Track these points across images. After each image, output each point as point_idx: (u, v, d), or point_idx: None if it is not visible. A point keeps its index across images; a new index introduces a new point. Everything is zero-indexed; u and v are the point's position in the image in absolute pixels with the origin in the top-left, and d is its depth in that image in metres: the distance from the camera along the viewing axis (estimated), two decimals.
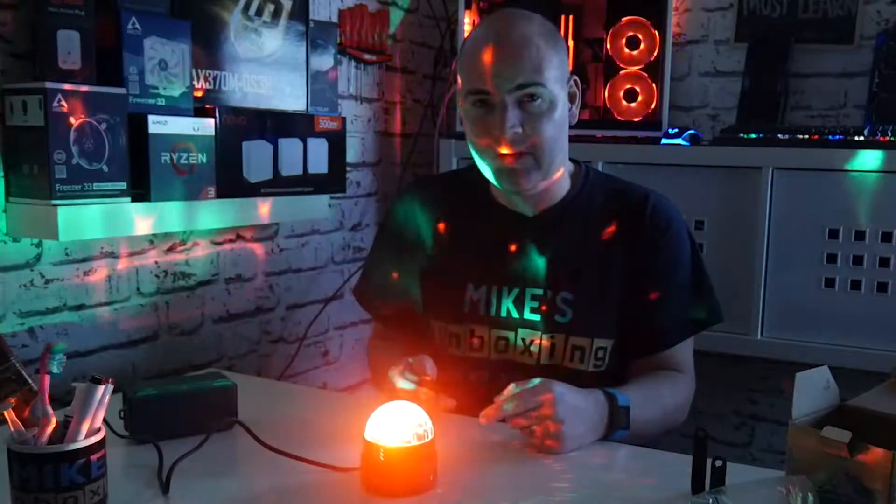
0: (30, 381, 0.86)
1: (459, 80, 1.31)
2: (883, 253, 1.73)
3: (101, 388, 0.84)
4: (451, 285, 1.37)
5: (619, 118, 2.10)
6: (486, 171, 1.31)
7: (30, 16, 1.32)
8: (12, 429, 0.84)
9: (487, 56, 1.23)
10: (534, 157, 1.26)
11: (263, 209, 1.64)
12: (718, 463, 0.93)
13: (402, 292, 1.44)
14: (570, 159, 1.39)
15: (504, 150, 1.25)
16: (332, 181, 1.79)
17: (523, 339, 1.33)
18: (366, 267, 1.54)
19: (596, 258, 1.34)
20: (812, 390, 0.96)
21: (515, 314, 1.33)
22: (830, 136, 1.80)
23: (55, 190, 1.28)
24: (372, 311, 1.53)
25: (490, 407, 1.14)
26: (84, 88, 1.31)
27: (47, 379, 0.82)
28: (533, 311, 1.33)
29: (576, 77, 1.32)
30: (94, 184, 1.33)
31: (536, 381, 1.14)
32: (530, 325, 1.33)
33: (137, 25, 1.39)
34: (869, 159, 1.73)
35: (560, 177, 1.36)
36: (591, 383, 1.27)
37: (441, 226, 1.40)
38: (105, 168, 1.34)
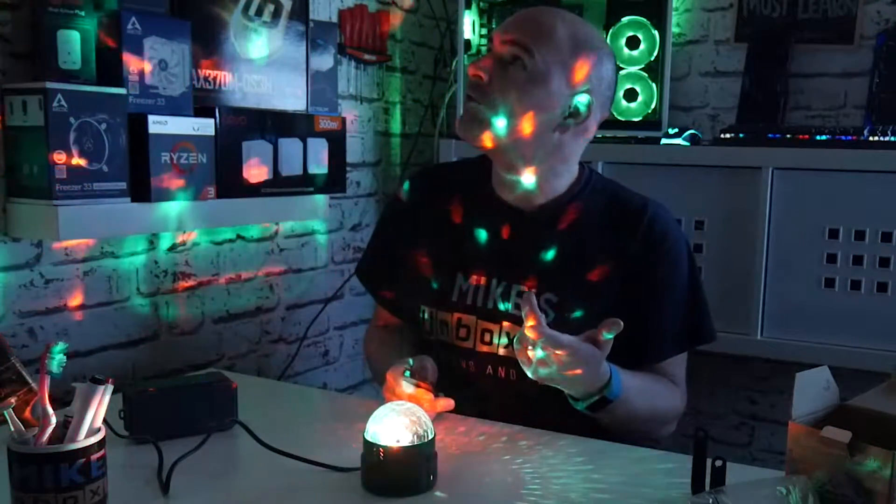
0: (30, 381, 0.86)
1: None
2: (883, 253, 1.73)
3: (102, 388, 0.84)
4: (443, 273, 1.38)
5: (619, 118, 2.10)
6: None
7: (30, 16, 1.32)
8: (12, 429, 0.84)
9: (514, 18, 1.30)
10: (482, 109, 1.28)
11: (263, 209, 1.64)
12: (718, 463, 0.93)
13: (400, 275, 1.45)
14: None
15: (468, 91, 1.30)
16: (332, 181, 1.79)
17: (507, 333, 1.33)
18: (368, 247, 1.56)
19: (585, 265, 1.32)
20: (812, 390, 0.96)
21: (501, 307, 1.33)
22: (830, 136, 1.80)
23: (55, 190, 1.27)
24: (373, 290, 1.53)
25: (535, 327, 1.08)
26: (84, 89, 1.31)
27: (47, 379, 0.82)
28: (518, 307, 1.32)
29: (588, 97, 1.29)
30: (94, 184, 1.33)
31: (583, 348, 1.10)
32: (515, 320, 1.32)
33: (137, 25, 1.39)
34: (869, 159, 1.73)
35: (552, 174, 1.35)
36: None
37: (440, 213, 1.41)
38: (105, 168, 1.34)
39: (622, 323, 1.09)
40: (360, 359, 2.13)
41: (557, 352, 1.08)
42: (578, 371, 1.11)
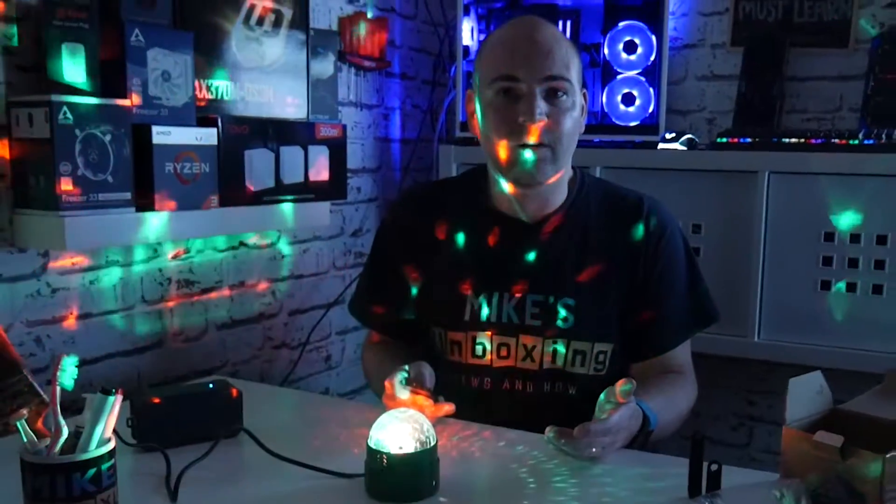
0: (41, 392, 0.88)
1: (480, 72, 1.33)
2: (878, 255, 1.75)
3: (112, 399, 0.86)
4: (452, 293, 1.38)
5: (616, 122, 2.12)
6: (500, 163, 1.32)
7: (35, 29, 1.33)
8: (25, 439, 0.86)
9: (520, 46, 1.28)
10: (552, 151, 1.29)
11: (265, 217, 1.66)
12: (714, 467, 0.95)
13: (398, 302, 1.45)
14: None
15: (527, 140, 1.27)
16: (333, 188, 1.81)
17: (525, 345, 1.35)
18: (361, 280, 1.56)
19: (594, 264, 1.36)
20: (806, 395, 0.98)
21: (517, 320, 1.35)
22: (825, 140, 1.82)
23: (62, 201, 1.29)
24: (369, 323, 1.55)
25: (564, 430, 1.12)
26: (89, 101, 1.33)
27: (59, 391, 0.84)
28: (534, 316, 1.35)
29: (584, 90, 1.36)
30: (100, 194, 1.35)
31: (610, 422, 1.12)
32: (532, 331, 1.35)
33: (140, 37, 1.41)
34: (863, 163, 1.75)
35: (561, 182, 1.38)
36: (592, 386, 1.30)
37: (438, 233, 1.42)
38: (110, 179, 1.36)
39: (634, 381, 1.10)
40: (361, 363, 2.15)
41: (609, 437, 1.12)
42: (625, 433, 1.15)
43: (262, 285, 1.84)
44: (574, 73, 1.30)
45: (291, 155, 1.70)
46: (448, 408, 1.22)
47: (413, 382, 1.22)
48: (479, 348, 1.37)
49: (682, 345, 1.41)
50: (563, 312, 1.34)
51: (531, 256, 1.37)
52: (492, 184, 1.40)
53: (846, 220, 1.78)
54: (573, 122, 1.30)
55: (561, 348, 1.34)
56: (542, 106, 1.26)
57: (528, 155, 1.28)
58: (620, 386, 1.09)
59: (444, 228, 1.42)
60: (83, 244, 1.36)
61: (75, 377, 0.84)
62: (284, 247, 1.89)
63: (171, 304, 1.62)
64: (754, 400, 2.17)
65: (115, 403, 0.87)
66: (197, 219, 1.51)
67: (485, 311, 1.36)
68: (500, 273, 1.37)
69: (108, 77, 1.39)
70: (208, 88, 1.57)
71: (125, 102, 1.38)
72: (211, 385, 1.23)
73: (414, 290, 1.42)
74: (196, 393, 1.21)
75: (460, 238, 1.41)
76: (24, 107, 1.31)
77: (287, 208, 1.71)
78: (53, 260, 1.40)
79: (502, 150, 1.30)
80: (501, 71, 1.28)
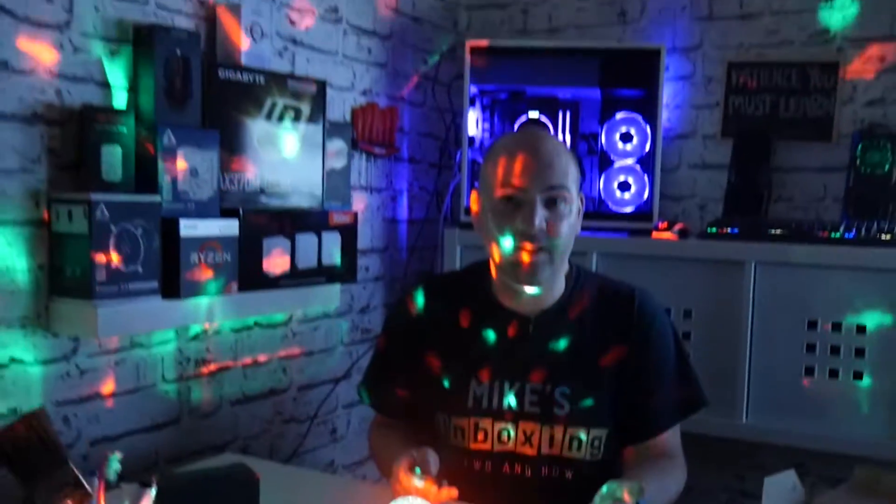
0: (85, 484, 0.97)
1: (486, 179, 1.44)
2: (858, 344, 1.85)
3: (148, 490, 0.95)
4: (457, 381, 1.47)
5: (613, 208, 2.24)
6: (503, 265, 1.43)
7: (76, 131, 1.45)
8: None
9: (524, 159, 1.39)
10: (550, 255, 1.40)
11: (281, 300, 1.77)
12: None
13: (405, 388, 1.54)
14: None
15: (527, 245, 1.38)
16: (344, 271, 1.91)
17: (524, 431, 1.44)
18: (376, 366, 1.63)
19: (590, 354, 1.46)
20: (780, 493, 1.07)
21: (517, 407, 1.44)
22: (808, 231, 1.93)
23: (95, 291, 1.40)
24: (382, 408, 1.63)
25: None
26: (124, 199, 1.44)
27: (103, 484, 0.93)
28: (533, 404, 1.44)
29: (582, 194, 1.47)
30: (130, 283, 1.45)
31: None
32: (531, 418, 1.44)
33: (172, 138, 1.53)
34: (844, 256, 1.86)
35: (559, 278, 1.48)
36: (590, 472, 1.39)
37: (445, 325, 1.51)
38: (140, 269, 1.47)
39: (644, 486, 1.16)
40: (366, 436, 2.22)
41: None
42: None
43: (274, 362, 1.93)
44: (572, 180, 1.42)
45: (306, 241, 1.81)
46: (451, 492, 1.30)
47: (419, 468, 1.30)
48: (480, 434, 1.45)
49: (672, 429, 1.50)
50: (560, 400, 1.43)
51: (530, 348, 1.46)
52: (493, 278, 1.50)
53: (828, 309, 1.88)
54: (570, 226, 1.42)
55: (558, 434, 1.43)
56: (542, 213, 1.38)
57: (527, 258, 1.39)
58: (631, 484, 1.16)
59: (453, 320, 1.51)
60: (113, 331, 1.46)
61: (118, 471, 0.93)
62: (296, 325, 1.98)
63: (189, 382, 1.71)
64: (744, 475, 2.24)
65: (152, 494, 0.95)
66: (218, 304, 1.61)
67: (486, 399, 1.45)
68: (501, 363, 1.46)
69: (141, 173, 1.50)
70: (231, 181, 1.68)
71: (156, 198, 1.50)
72: (229, 468, 1.31)
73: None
74: (218, 476, 1.28)
75: (466, 329, 1.50)
76: (64, 203, 1.42)
77: (301, 291, 1.81)
78: (83, 343, 1.50)
79: (504, 252, 1.41)
80: (506, 180, 1.39)
